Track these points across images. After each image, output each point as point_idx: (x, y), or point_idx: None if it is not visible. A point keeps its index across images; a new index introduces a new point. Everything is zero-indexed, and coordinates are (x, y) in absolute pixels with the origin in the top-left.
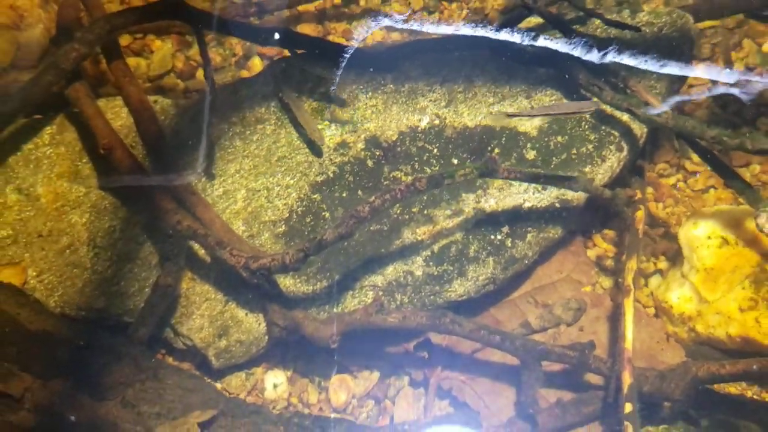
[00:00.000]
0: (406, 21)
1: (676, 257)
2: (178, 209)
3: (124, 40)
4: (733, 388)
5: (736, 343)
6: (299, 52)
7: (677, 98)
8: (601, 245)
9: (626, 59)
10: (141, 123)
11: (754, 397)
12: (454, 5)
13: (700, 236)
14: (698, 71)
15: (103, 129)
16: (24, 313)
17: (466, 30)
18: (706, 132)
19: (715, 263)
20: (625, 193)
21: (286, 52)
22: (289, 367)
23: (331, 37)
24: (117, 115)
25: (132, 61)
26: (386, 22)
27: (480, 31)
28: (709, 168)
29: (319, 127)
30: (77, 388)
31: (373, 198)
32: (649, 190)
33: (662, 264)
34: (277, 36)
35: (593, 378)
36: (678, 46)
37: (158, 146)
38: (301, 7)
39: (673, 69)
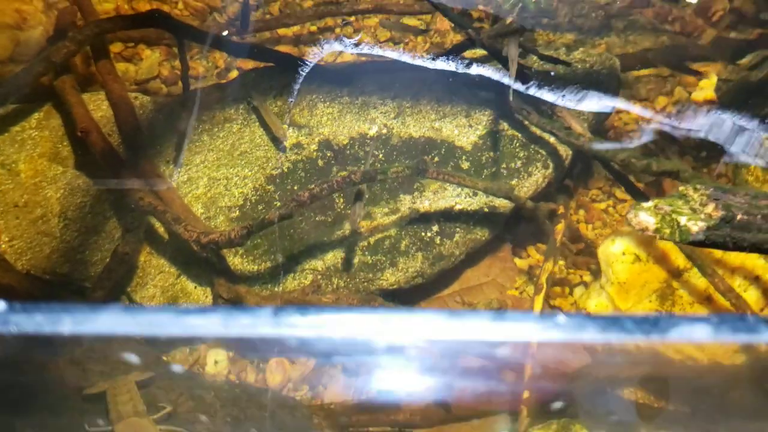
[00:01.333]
0: (356, 45)
1: (597, 271)
2: (142, 188)
3: (117, 47)
4: None
5: (643, 352)
6: (269, 64)
7: (601, 126)
8: (534, 256)
9: (555, 89)
10: (119, 114)
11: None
12: (419, 38)
13: (616, 253)
14: (620, 104)
15: (83, 115)
16: None
17: (418, 57)
18: (617, 155)
19: (627, 277)
20: (548, 207)
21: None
22: (231, 347)
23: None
24: (98, 107)
25: (121, 65)
26: (348, 46)
27: (428, 58)
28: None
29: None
30: (29, 342)
31: (312, 186)
32: (581, 212)
33: (587, 277)
34: (249, 50)
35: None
36: (605, 82)
37: (134, 136)
38: (280, 31)
39: (597, 100)
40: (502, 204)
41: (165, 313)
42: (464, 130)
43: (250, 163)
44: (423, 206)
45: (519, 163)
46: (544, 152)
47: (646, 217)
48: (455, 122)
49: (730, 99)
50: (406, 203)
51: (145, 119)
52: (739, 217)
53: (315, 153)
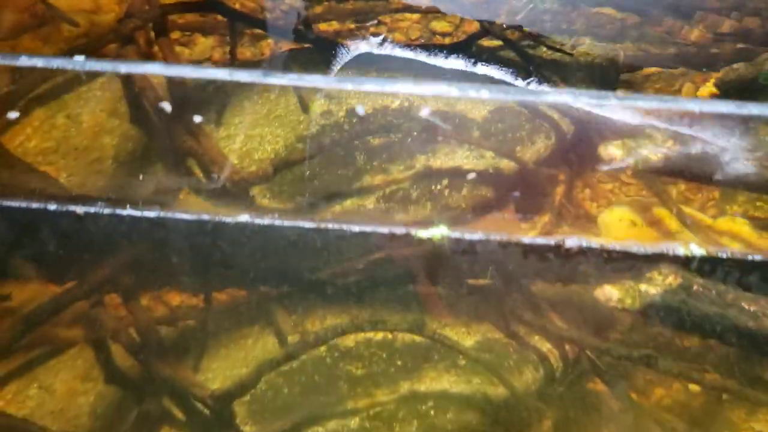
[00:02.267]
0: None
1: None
2: (187, 135)
3: (176, 35)
4: None
5: None
6: (308, 45)
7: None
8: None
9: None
10: (172, 82)
11: None
12: (446, 39)
13: (614, 218)
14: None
15: (141, 78)
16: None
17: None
18: None
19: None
20: (548, 171)
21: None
22: None
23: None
24: (155, 77)
25: (178, 48)
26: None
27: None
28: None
29: (312, 97)
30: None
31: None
32: (587, 191)
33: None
34: (292, 33)
35: None
36: (605, 70)
37: (183, 99)
38: (321, 26)
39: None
40: (508, 166)
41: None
42: (477, 105)
43: (283, 125)
44: (435, 164)
45: (524, 133)
46: (547, 125)
47: (614, 150)
48: (469, 99)
49: (729, 94)
50: (420, 161)
51: (194, 87)
52: None
53: (342, 119)
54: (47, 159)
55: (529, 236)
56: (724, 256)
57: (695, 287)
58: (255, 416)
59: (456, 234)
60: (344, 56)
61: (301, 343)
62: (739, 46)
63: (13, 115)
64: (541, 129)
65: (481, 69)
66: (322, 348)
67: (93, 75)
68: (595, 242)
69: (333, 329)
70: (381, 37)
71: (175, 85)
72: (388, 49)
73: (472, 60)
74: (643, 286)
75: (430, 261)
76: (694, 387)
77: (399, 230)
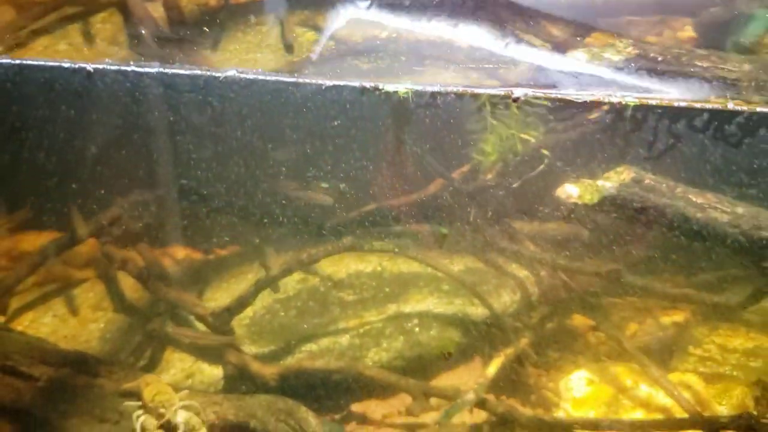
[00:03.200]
0: None
1: None
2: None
3: None
4: None
5: None
6: None
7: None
8: None
9: None
10: (170, 12)
11: None
12: None
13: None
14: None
15: (140, 7)
16: None
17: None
18: None
19: None
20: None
21: None
22: None
23: None
24: (156, 9)
25: None
26: None
27: None
28: None
29: (302, 30)
30: None
31: None
32: None
33: None
34: None
35: None
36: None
37: (180, 27)
38: None
39: None
40: (474, 312)
41: None
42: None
43: (273, 53)
44: (406, 308)
45: None
46: None
47: (581, 54)
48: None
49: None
50: (391, 308)
51: (192, 18)
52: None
53: (332, 48)
54: None
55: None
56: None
57: (647, 181)
58: (253, 336)
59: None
60: None
61: (295, 260)
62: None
63: None
64: None
65: None
66: (316, 279)
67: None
68: None
69: (324, 249)
70: None
71: (173, 15)
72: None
73: None
74: (600, 182)
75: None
76: (665, 319)
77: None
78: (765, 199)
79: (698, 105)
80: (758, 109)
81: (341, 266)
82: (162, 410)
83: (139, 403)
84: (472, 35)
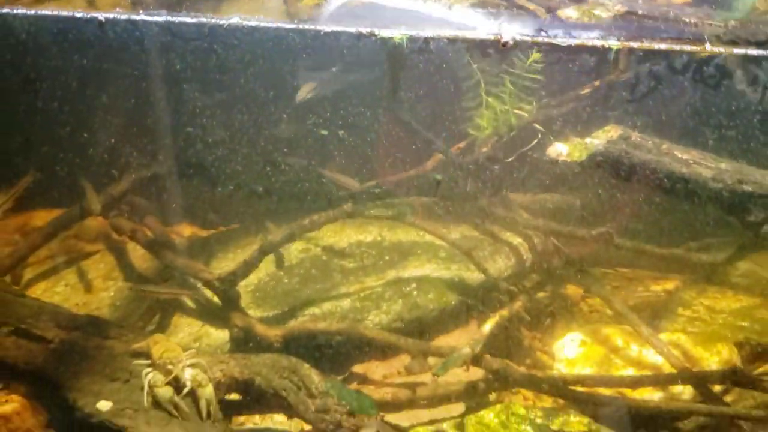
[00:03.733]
0: None
1: None
2: None
3: None
4: None
5: None
6: None
7: None
8: None
9: None
10: None
11: None
12: None
13: None
14: None
15: None
16: None
17: None
18: None
19: None
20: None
21: None
22: None
23: None
24: None
25: None
26: None
27: None
28: None
29: None
30: None
31: None
32: None
33: None
34: None
35: None
36: None
37: None
38: None
39: None
40: (471, 277)
41: None
42: None
43: (271, 15)
44: (405, 274)
45: None
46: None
47: (571, 11)
48: None
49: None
50: (391, 273)
51: None
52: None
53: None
54: None
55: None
56: None
57: (633, 137)
58: (258, 302)
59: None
60: None
61: (298, 226)
62: None
63: None
64: None
65: None
66: (318, 248)
67: None
68: None
69: (326, 215)
70: None
71: None
72: None
73: None
74: (588, 140)
75: None
76: (654, 287)
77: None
78: (743, 141)
79: (677, 47)
80: (735, 51)
81: (342, 236)
82: (170, 367)
83: (148, 362)
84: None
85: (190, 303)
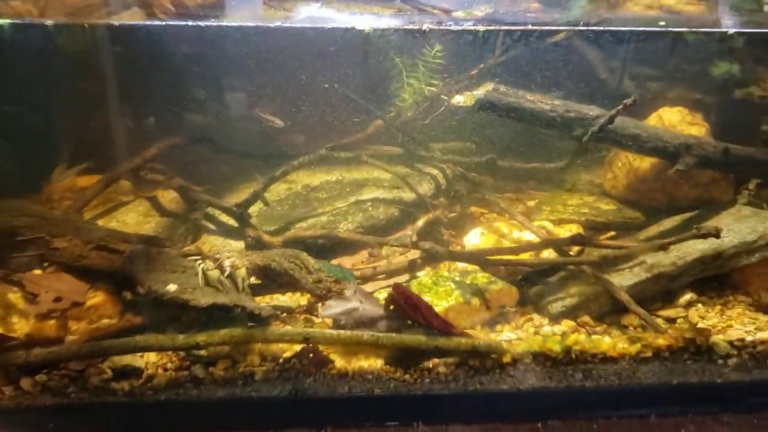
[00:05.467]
0: None
1: None
2: None
3: None
4: None
5: None
6: None
7: None
8: None
9: None
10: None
11: None
12: None
13: None
14: None
15: None
16: None
17: None
18: None
19: None
20: None
21: None
22: None
23: None
24: None
25: None
26: None
27: None
28: None
29: None
30: None
31: None
32: None
33: None
34: None
35: None
36: None
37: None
38: None
39: None
40: (407, 196)
41: None
42: None
43: None
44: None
45: None
46: None
47: (459, 13)
48: None
49: None
50: (352, 198)
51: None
52: None
53: None
54: None
55: None
56: None
57: (501, 89)
58: (261, 220)
59: None
60: None
61: (290, 165)
62: None
63: None
64: None
65: None
66: (299, 186)
67: None
68: None
69: (308, 158)
70: None
71: None
72: None
73: None
74: (475, 92)
75: None
76: (530, 203)
77: None
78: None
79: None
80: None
81: (314, 178)
82: (217, 256)
83: (199, 256)
84: None
85: (211, 226)
